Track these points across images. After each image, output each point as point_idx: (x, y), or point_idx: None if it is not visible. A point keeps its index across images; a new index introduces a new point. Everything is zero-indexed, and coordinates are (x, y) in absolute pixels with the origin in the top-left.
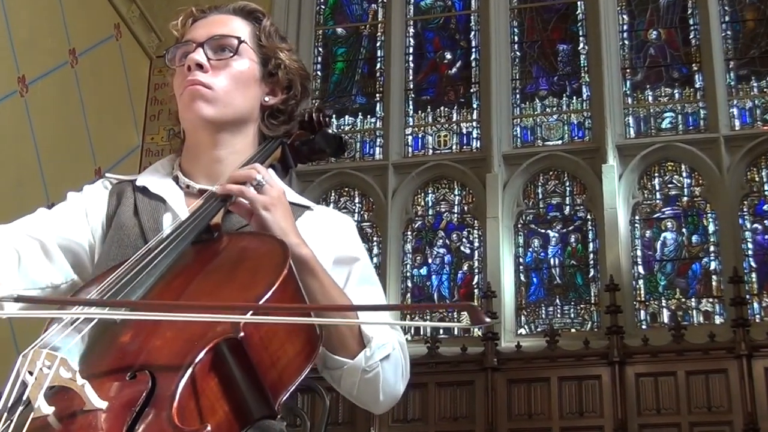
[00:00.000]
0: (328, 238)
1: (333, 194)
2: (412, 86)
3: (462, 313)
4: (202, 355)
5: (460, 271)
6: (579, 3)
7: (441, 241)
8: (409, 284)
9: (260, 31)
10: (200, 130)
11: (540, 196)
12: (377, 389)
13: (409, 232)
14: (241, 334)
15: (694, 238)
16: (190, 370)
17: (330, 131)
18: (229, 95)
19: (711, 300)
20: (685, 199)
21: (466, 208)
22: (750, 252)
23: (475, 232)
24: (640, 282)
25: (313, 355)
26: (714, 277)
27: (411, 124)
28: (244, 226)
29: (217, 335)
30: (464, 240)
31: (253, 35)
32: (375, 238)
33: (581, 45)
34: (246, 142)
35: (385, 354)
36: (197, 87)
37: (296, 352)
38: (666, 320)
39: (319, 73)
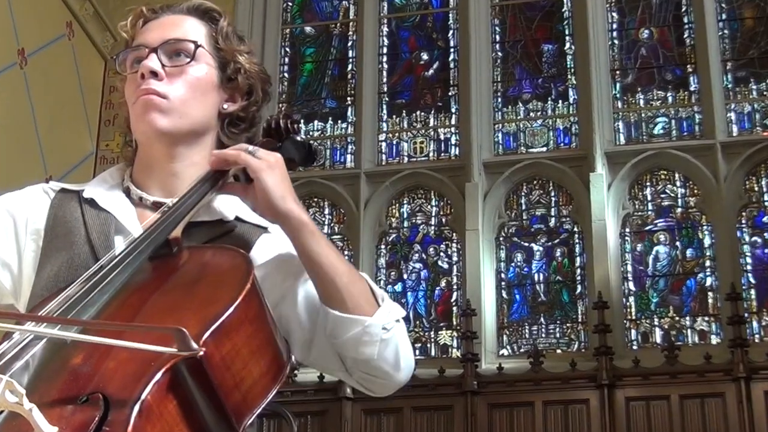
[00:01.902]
0: (289, 259)
1: None
2: (385, 89)
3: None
4: (158, 376)
5: (438, 288)
6: (565, 0)
7: (417, 255)
8: None
9: (217, 33)
10: (155, 143)
11: (523, 207)
12: (398, 351)
13: (383, 246)
14: (201, 352)
15: (689, 252)
16: (145, 393)
17: (298, 138)
18: (186, 105)
19: (707, 318)
20: (679, 210)
21: (443, 219)
22: (748, 267)
23: (454, 245)
24: (631, 299)
25: (280, 375)
26: (710, 293)
27: (385, 129)
28: (218, 235)
29: (174, 355)
30: (442, 254)
31: (209, 37)
32: (346, 252)
33: (567, 45)
34: (204, 154)
35: (399, 316)
36: (151, 97)
37: (262, 373)
38: (658, 340)
39: (286, 75)
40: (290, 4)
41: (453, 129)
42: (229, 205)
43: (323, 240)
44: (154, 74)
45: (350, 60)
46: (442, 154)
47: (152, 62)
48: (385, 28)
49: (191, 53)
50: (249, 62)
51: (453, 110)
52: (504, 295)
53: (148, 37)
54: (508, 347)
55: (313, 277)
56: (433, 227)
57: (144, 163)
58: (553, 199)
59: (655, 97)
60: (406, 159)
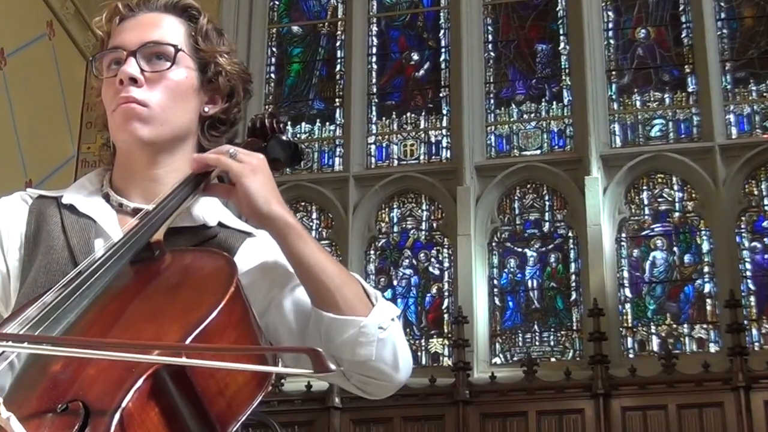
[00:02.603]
0: (274, 265)
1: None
2: (375, 90)
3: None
4: (140, 383)
5: (429, 294)
6: None
7: (407, 261)
8: None
9: (197, 32)
10: (136, 151)
11: (516, 212)
12: (396, 351)
13: (372, 251)
14: (183, 358)
15: (687, 258)
16: (126, 401)
17: (284, 137)
18: (167, 112)
19: (705, 326)
20: (677, 214)
21: (434, 224)
22: (748, 273)
23: (445, 251)
24: (627, 306)
25: (265, 381)
26: (708, 300)
27: (374, 132)
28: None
29: (156, 361)
30: (433, 260)
31: (188, 37)
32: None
33: (562, 45)
34: (185, 159)
35: (395, 315)
36: (131, 106)
37: (247, 379)
38: (655, 348)
39: (272, 75)
40: (277, 2)
41: (444, 131)
42: (211, 211)
43: (312, 242)
44: (134, 80)
45: (339, 60)
46: (433, 157)
47: (131, 68)
48: (375, 28)
49: (171, 57)
50: (230, 63)
51: (444, 112)
52: (497, 302)
53: (125, 38)
54: (501, 356)
55: (304, 280)
56: (423, 232)
57: (124, 169)
58: (547, 203)
59: (652, 99)
60: (396, 162)
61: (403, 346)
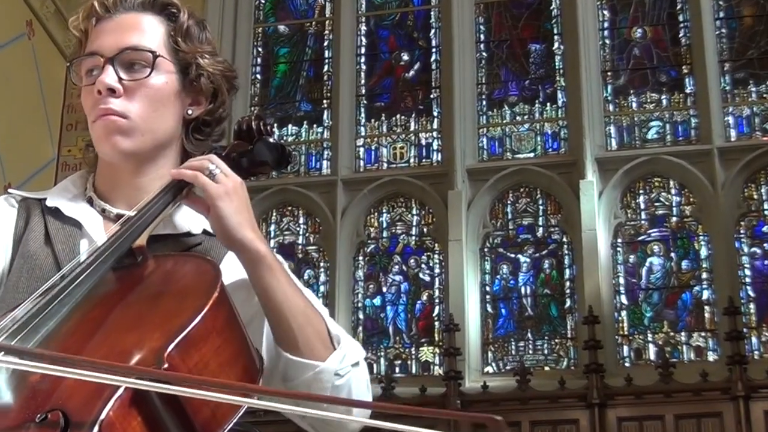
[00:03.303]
0: None
1: (274, 214)
2: (364, 91)
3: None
4: (120, 391)
5: (419, 301)
6: None
7: (397, 267)
8: (361, 316)
9: (176, 31)
10: (119, 163)
11: (509, 216)
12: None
13: (361, 257)
14: (165, 366)
15: (684, 264)
16: (106, 410)
17: (271, 140)
18: (148, 121)
19: (703, 334)
20: (674, 219)
21: (425, 229)
22: (747, 280)
23: (436, 256)
24: (623, 314)
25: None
26: (707, 308)
27: (363, 134)
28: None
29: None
30: (423, 266)
31: (168, 37)
32: (322, 264)
33: (556, 45)
34: (170, 165)
35: (356, 359)
36: (111, 118)
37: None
38: (652, 357)
39: (258, 76)
40: (263, 1)
41: (435, 134)
42: (196, 218)
43: (281, 274)
44: (112, 91)
45: (326, 60)
46: (424, 160)
47: (108, 78)
48: (363, 27)
49: (150, 64)
50: (212, 63)
51: (435, 114)
52: (489, 309)
53: (102, 43)
54: (493, 364)
55: (267, 313)
56: (414, 237)
57: (107, 176)
58: (540, 207)
59: (649, 100)
60: (385, 165)
61: (362, 394)
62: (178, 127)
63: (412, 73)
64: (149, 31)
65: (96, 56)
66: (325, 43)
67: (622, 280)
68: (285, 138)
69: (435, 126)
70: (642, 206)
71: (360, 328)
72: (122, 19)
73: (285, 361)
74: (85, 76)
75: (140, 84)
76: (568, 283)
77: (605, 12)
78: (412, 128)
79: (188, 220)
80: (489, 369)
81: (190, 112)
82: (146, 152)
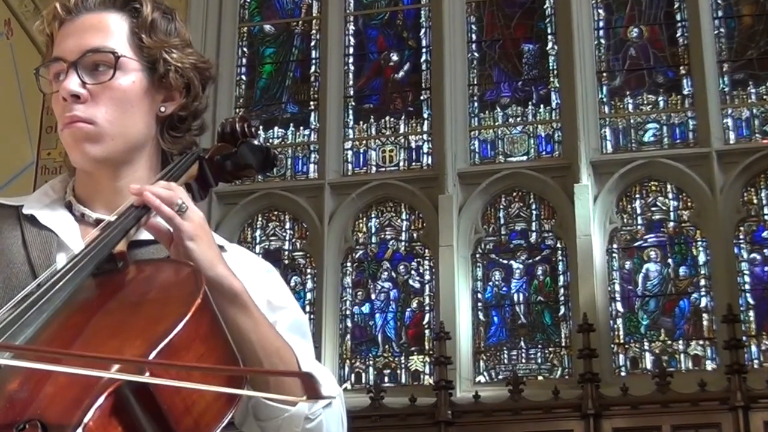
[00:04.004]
0: (248, 283)
1: (260, 219)
2: (352, 93)
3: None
4: (101, 401)
5: (409, 309)
6: None
7: (386, 273)
8: (349, 324)
9: (140, 27)
10: (94, 169)
11: (502, 221)
12: None
13: (349, 264)
14: (147, 374)
15: (682, 270)
16: (86, 419)
17: (255, 142)
18: (117, 125)
19: (701, 342)
20: (672, 224)
21: (415, 235)
22: (747, 286)
23: (426, 263)
24: (619, 321)
25: (235, 399)
26: (705, 315)
27: (351, 136)
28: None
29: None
30: (413, 272)
31: (131, 34)
32: (309, 270)
33: (550, 45)
34: (147, 165)
35: (330, 398)
36: (77, 126)
37: (215, 396)
38: (649, 366)
39: (243, 77)
40: (248, 0)
41: (425, 136)
42: None
43: (255, 312)
44: (77, 96)
45: (313, 61)
46: (414, 164)
47: (72, 84)
48: (352, 27)
49: (113, 64)
50: (181, 56)
51: (425, 116)
52: (481, 316)
53: (65, 47)
54: (485, 374)
55: (240, 352)
56: (403, 243)
57: (85, 181)
58: (534, 212)
59: (645, 102)
60: (374, 169)
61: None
62: (152, 126)
63: (401, 73)
64: (112, 30)
65: (59, 62)
66: (312, 43)
67: (617, 287)
68: (271, 141)
69: (425, 128)
70: (638, 211)
71: (348, 336)
72: (84, 20)
73: (255, 402)
74: (53, 82)
75: (105, 87)
76: (562, 290)
77: (600, 11)
78: (401, 131)
79: None
80: (481, 378)
81: (163, 109)
82: (119, 156)
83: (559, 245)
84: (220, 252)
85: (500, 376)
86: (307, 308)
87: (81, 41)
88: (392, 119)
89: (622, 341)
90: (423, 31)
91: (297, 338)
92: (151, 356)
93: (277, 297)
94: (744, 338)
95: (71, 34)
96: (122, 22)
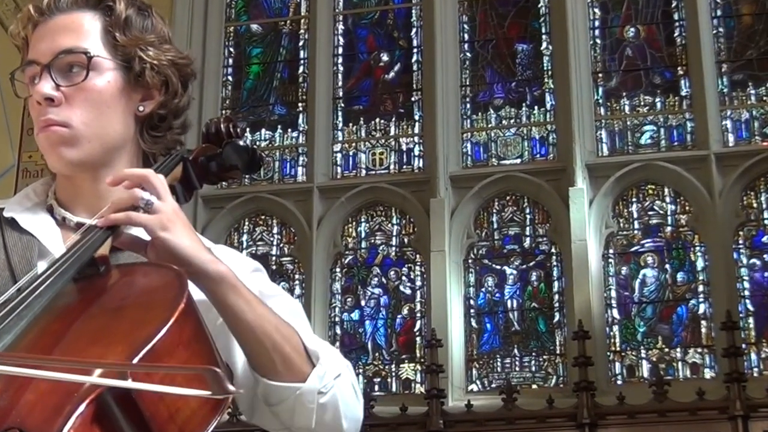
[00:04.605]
0: None
1: (247, 223)
2: (341, 94)
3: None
4: (82, 408)
5: (399, 316)
6: None
7: (376, 279)
8: (338, 331)
9: (114, 25)
10: (71, 173)
11: (495, 226)
12: (338, 414)
13: (338, 269)
14: (129, 380)
15: (680, 276)
16: (67, 427)
17: (241, 143)
18: (92, 127)
19: (700, 350)
20: (669, 229)
21: (406, 240)
22: (746, 293)
23: (417, 268)
24: (615, 328)
25: (220, 405)
26: (703, 322)
27: (340, 139)
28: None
29: (99, 384)
30: (404, 278)
31: (105, 33)
32: (297, 276)
33: (544, 44)
34: (128, 167)
35: (338, 372)
36: (52, 129)
37: (200, 403)
38: (646, 374)
39: (230, 78)
40: None
41: (416, 138)
42: None
43: (246, 292)
44: (51, 100)
45: (302, 61)
46: (404, 167)
47: (45, 87)
48: (341, 26)
49: (86, 65)
50: (157, 54)
51: (416, 118)
52: (473, 323)
53: (38, 50)
54: (478, 382)
55: (238, 336)
56: (394, 248)
57: (66, 185)
58: (528, 216)
59: (642, 103)
60: (363, 172)
61: (349, 405)
62: (130, 126)
63: (392, 74)
64: (84, 30)
65: (34, 65)
66: (301, 43)
67: (613, 293)
68: (258, 143)
69: (416, 130)
70: (635, 215)
71: (337, 344)
72: (57, 20)
73: (264, 387)
74: (30, 86)
75: (79, 89)
76: (556, 297)
77: (596, 10)
78: (392, 133)
79: None
80: (473, 387)
81: (141, 108)
82: (97, 159)
83: (553, 250)
84: (199, 238)
85: (493, 385)
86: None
87: (53, 43)
88: (382, 121)
89: (618, 349)
90: (414, 30)
91: (296, 320)
92: (134, 362)
93: (268, 288)
94: (743, 346)
95: (44, 37)
96: (95, 21)
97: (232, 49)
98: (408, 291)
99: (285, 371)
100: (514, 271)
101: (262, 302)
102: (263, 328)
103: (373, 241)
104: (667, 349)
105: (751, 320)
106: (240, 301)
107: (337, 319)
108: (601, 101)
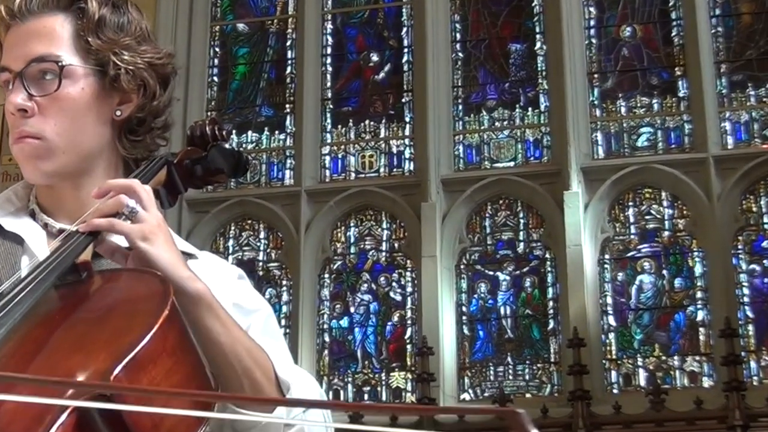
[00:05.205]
0: (217, 290)
1: (233, 228)
2: (330, 95)
3: None
4: (63, 417)
5: (390, 323)
6: None
7: (366, 285)
8: (327, 338)
9: (85, 28)
10: (49, 183)
11: (487, 231)
12: None
13: (327, 275)
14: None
15: (678, 282)
16: None
17: (226, 146)
18: (67, 137)
19: (698, 358)
20: (666, 233)
21: (396, 245)
22: (746, 299)
23: (408, 274)
24: (611, 336)
25: (206, 412)
26: (702, 330)
27: (329, 141)
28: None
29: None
30: (394, 284)
31: (77, 37)
32: (285, 282)
33: (538, 44)
34: (107, 173)
35: (310, 402)
36: (26, 142)
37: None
38: (642, 383)
39: (215, 78)
40: None
41: (407, 141)
42: None
43: (223, 314)
44: (24, 110)
45: (289, 62)
46: (395, 170)
47: (17, 98)
48: (330, 25)
49: (57, 73)
50: (132, 57)
51: (407, 119)
52: (465, 331)
53: (10, 56)
54: (470, 391)
55: (208, 358)
56: (384, 253)
57: (47, 192)
58: (521, 221)
59: (639, 104)
60: (353, 175)
61: None
62: (107, 132)
63: (382, 75)
64: (57, 35)
65: (6, 72)
66: (288, 43)
67: (609, 300)
68: (245, 146)
69: (407, 132)
70: (631, 219)
71: (326, 352)
72: (29, 25)
73: (231, 413)
74: (5, 90)
75: (52, 98)
76: (551, 303)
77: (591, 9)
78: (382, 135)
79: None
80: (466, 396)
81: (118, 113)
82: (73, 168)
83: (548, 256)
84: (180, 254)
85: (486, 394)
86: (283, 322)
87: (25, 49)
88: (372, 123)
89: (614, 357)
90: (405, 30)
91: (272, 341)
92: (117, 370)
93: (248, 301)
94: (743, 354)
95: (16, 43)
96: (67, 25)
97: (217, 49)
98: (398, 297)
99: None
100: (508, 277)
101: (237, 324)
102: (235, 351)
103: (362, 246)
104: (664, 357)
105: (750, 327)
106: (216, 323)
107: (325, 326)
108: (596, 102)
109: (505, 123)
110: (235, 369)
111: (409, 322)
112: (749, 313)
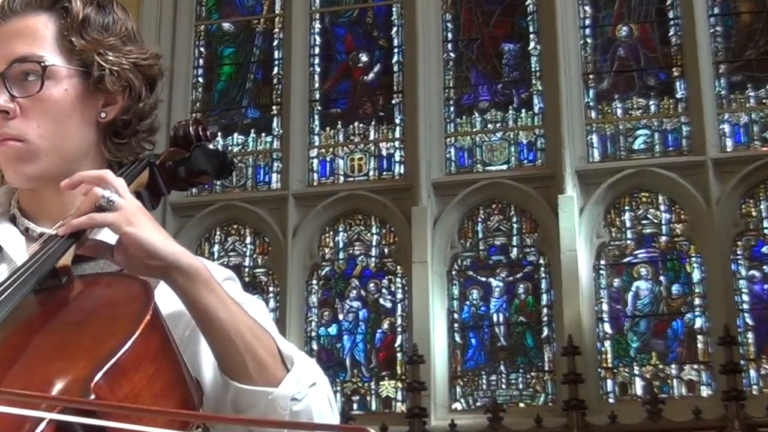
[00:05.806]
0: None
1: (218, 233)
2: (318, 96)
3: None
4: (41, 427)
5: (379, 330)
6: None
7: (355, 291)
8: (315, 346)
9: (69, 28)
10: (31, 187)
11: (480, 236)
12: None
13: (315, 281)
14: (92, 396)
15: (675, 289)
16: None
17: (210, 146)
18: (50, 139)
19: (696, 367)
20: (664, 238)
21: (386, 250)
22: (745, 306)
23: (398, 280)
24: (607, 344)
25: (189, 424)
26: (700, 337)
27: (317, 144)
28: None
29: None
30: (384, 290)
31: (61, 37)
32: (271, 289)
33: (532, 44)
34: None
35: (313, 381)
36: (7, 144)
37: (167, 421)
38: (639, 392)
39: (200, 79)
40: None
41: (397, 143)
42: None
43: (219, 289)
44: (6, 112)
45: (276, 62)
46: (385, 173)
47: (1, 99)
48: (318, 25)
49: (40, 74)
50: (117, 57)
51: (397, 121)
52: (457, 338)
53: None
54: (462, 400)
55: (209, 336)
56: (373, 259)
57: (29, 195)
58: (514, 225)
59: (636, 106)
60: (341, 179)
61: (325, 418)
62: (92, 135)
63: (371, 76)
64: (39, 35)
65: None
66: (275, 43)
67: (605, 307)
68: (230, 148)
69: (397, 135)
70: (628, 224)
71: (314, 360)
72: (11, 25)
73: (234, 391)
74: None
75: (35, 100)
76: (545, 310)
77: (587, 8)
78: (371, 137)
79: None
80: (457, 405)
81: (103, 114)
82: (56, 172)
83: (542, 261)
84: (167, 234)
85: (478, 403)
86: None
87: (7, 50)
88: (361, 125)
89: (610, 365)
90: (395, 29)
91: (270, 326)
92: (97, 377)
93: (240, 296)
94: (742, 362)
95: (1, 42)
96: (51, 24)
97: (202, 49)
98: (388, 304)
99: (257, 374)
100: (501, 284)
101: (236, 301)
102: (236, 327)
103: (351, 251)
104: (661, 366)
105: (750, 335)
106: (213, 298)
107: (313, 333)
108: (592, 104)
109: (498, 125)
110: (236, 345)
111: (399, 329)
112: (749, 321)
